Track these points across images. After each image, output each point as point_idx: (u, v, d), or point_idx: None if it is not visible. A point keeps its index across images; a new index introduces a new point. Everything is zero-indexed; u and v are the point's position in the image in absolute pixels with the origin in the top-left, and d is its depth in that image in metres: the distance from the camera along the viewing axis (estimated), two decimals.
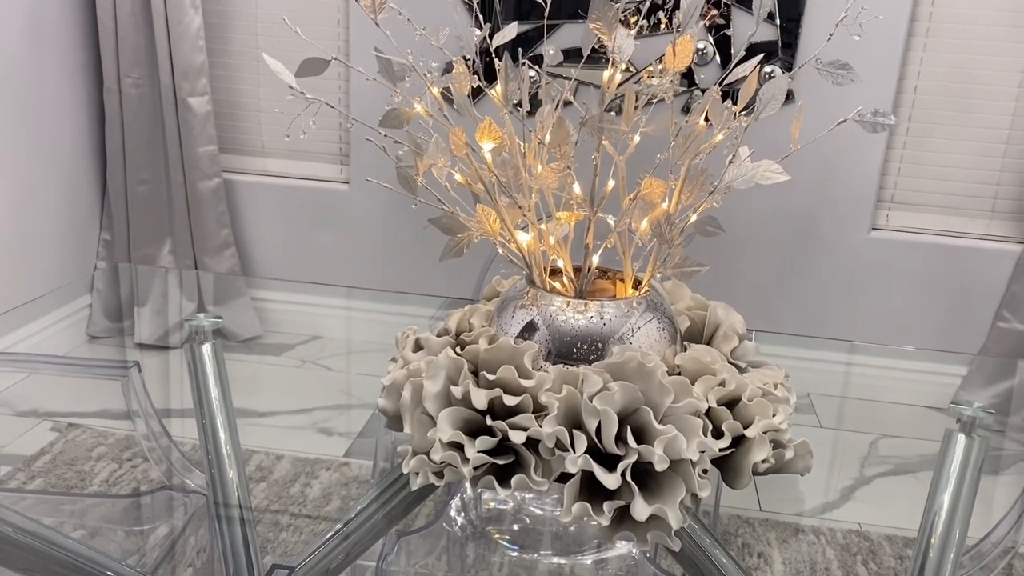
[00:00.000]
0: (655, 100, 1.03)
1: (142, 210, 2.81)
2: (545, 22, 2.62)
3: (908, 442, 2.55)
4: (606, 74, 0.93)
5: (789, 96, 2.55)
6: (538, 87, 1.07)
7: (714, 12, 2.53)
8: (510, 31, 1.08)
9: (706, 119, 0.96)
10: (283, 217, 2.91)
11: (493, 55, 1.02)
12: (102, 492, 1.98)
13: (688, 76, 2.60)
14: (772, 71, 2.55)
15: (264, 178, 2.90)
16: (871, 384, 2.76)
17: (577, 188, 0.96)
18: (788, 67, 2.54)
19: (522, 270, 1.03)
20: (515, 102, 0.97)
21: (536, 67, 1.07)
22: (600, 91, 0.93)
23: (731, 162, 0.90)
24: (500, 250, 1.03)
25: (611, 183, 0.96)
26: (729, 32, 2.56)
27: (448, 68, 1.06)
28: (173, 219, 2.82)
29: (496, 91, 1.03)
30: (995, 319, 2.58)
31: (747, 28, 2.52)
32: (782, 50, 2.54)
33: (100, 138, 2.80)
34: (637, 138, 1.03)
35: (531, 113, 1.03)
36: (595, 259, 0.99)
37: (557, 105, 1.03)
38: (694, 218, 0.98)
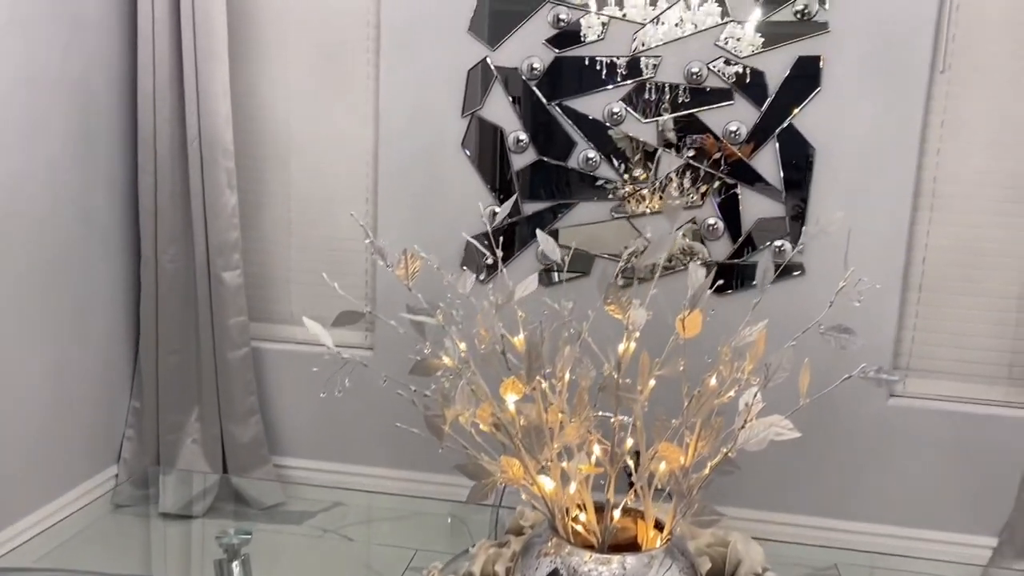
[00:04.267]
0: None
1: (172, 379, 2.88)
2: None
3: None
4: (621, 346, 1.00)
5: (799, 268, 2.63)
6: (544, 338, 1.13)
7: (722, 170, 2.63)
8: (531, 283, 1.15)
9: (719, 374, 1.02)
10: (308, 383, 2.97)
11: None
12: None
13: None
14: (782, 245, 2.63)
15: (291, 345, 2.98)
16: (901, 554, 2.71)
17: (597, 449, 1.01)
18: (795, 240, 2.62)
19: (546, 516, 1.07)
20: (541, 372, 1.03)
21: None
22: (616, 358, 0.99)
23: (742, 428, 0.95)
24: (523, 495, 1.07)
25: (630, 441, 1.01)
26: (738, 192, 2.64)
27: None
28: (201, 387, 2.89)
29: (518, 341, 1.10)
30: (1021, 488, 2.56)
31: (755, 200, 2.62)
32: (790, 223, 2.63)
33: (134, 310, 2.91)
34: (652, 382, 1.09)
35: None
36: (616, 513, 1.03)
37: (579, 339, 1.09)
38: (709, 469, 1.02)
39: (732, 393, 1.00)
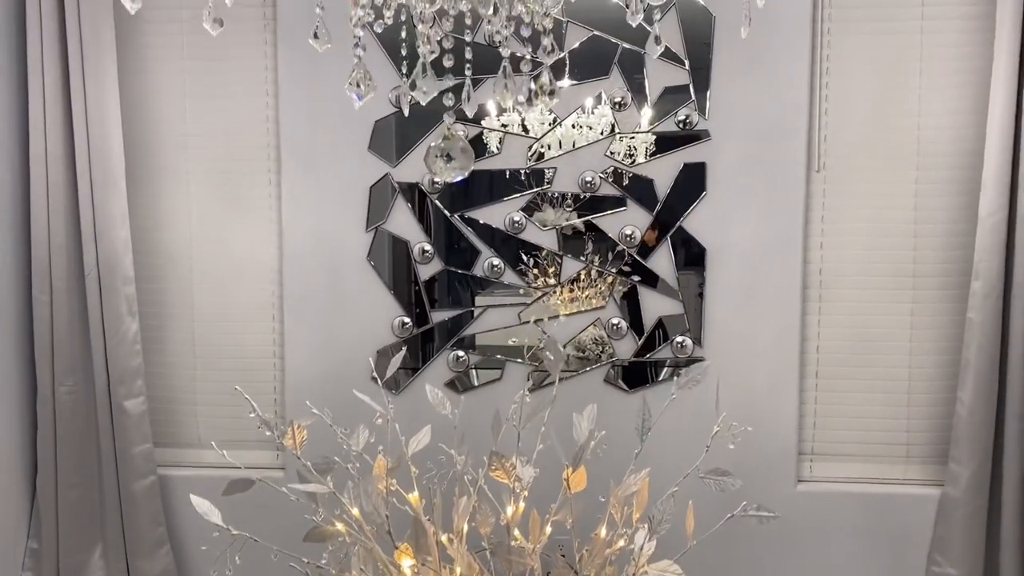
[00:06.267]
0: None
1: (73, 515, 2.75)
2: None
3: None
4: (510, 510, 1.02)
5: (701, 362, 2.71)
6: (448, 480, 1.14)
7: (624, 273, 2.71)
8: (424, 435, 1.16)
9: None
10: (220, 508, 2.87)
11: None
12: None
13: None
14: (683, 341, 2.72)
15: (200, 470, 2.89)
16: None
17: None
18: (696, 335, 2.71)
19: None
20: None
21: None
22: (505, 523, 1.01)
23: None
24: None
25: None
26: (636, 279, 2.72)
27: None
28: (105, 522, 2.77)
29: (413, 498, 1.10)
30: (928, 564, 2.64)
31: (655, 299, 2.70)
32: (689, 320, 2.72)
33: (32, 446, 2.79)
34: (549, 529, 1.11)
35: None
36: None
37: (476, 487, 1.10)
38: None
39: (622, 543, 1.03)
